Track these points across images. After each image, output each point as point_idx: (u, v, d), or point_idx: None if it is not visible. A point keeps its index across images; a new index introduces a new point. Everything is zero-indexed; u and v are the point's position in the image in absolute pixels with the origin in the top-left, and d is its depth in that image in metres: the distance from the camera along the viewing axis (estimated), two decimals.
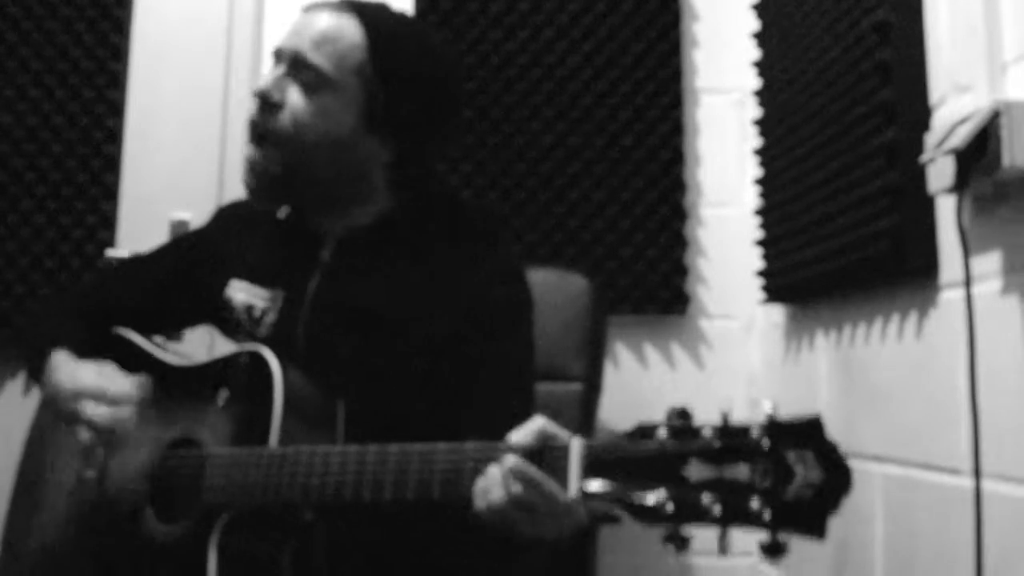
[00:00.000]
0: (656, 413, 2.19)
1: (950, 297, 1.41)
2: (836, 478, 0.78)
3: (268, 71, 1.29)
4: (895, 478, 1.56)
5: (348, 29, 1.27)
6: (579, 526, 1.00)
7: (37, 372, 1.36)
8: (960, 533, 1.30)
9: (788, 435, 0.80)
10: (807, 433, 0.80)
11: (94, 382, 1.24)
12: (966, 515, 1.26)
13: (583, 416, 1.79)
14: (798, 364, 1.99)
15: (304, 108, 1.25)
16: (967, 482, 1.28)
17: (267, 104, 1.26)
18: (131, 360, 1.40)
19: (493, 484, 0.97)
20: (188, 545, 1.16)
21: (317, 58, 1.24)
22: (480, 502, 0.98)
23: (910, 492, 1.51)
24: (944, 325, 1.42)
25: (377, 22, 1.28)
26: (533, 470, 0.95)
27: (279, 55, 1.28)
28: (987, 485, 1.25)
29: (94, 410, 1.21)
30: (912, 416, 1.51)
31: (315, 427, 1.19)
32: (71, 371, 1.28)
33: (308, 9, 1.30)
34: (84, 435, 1.22)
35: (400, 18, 1.33)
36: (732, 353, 2.27)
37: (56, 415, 1.29)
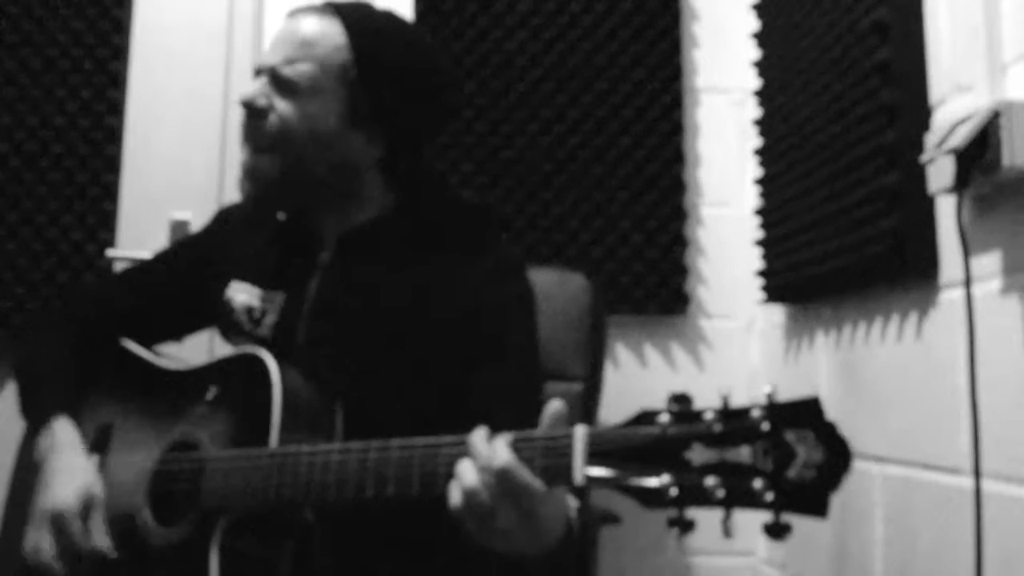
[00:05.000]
0: None
1: (950, 297, 1.41)
2: (836, 457, 0.79)
3: (253, 83, 1.30)
4: (895, 478, 1.56)
5: (329, 32, 1.28)
6: (561, 536, 0.99)
7: (33, 419, 1.35)
8: (960, 533, 1.30)
9: (788, 416, 0.81)
10: (806, 413, 0.81)
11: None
12: (966, 515, 1.26)
13: (583, 416, 1.79)
14: (798, 364, 1.99)
15: (290, 112, 1.27)
16: (967, 482, 1.28)
17: (254, 111, 1.28)
18: (127, 367, 1.40)
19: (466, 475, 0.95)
20: (188, 548, 1.15)
21: (293, 71, 1.26)
22: (454, 498, 0.95)
23: (910, 492, 1.52)
24: (944, 325, 1.42)
25: (359, 22, 1.30)
26: (504, 456, 0.93)
27: (258, 71, 1.30)
28: (987, 485, 1.25)
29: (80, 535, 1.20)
30: (912, 416, 1.51)
31: (314, 429, 1.19)
32: (73, 477, 1.24)
33: (292, 15, 1.32)
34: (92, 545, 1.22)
35: (382, 16, 1.34)
36: (732, 353, 2.27)
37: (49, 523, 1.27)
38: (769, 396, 0.82)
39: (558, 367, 1.76)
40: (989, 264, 1.30)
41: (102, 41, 2.30)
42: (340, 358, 1.26)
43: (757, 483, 0.80)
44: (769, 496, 0.79)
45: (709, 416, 0.84)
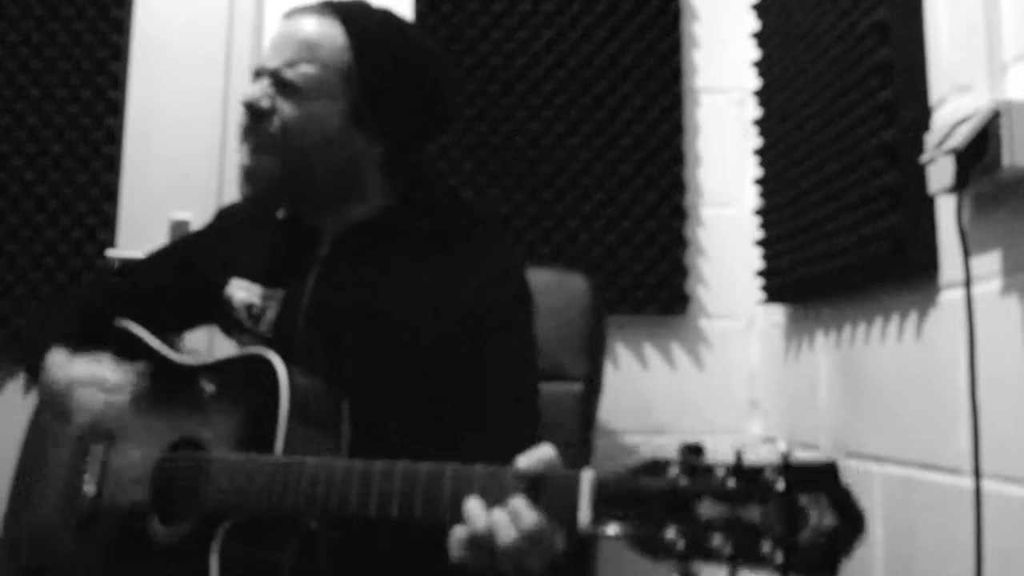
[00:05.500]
0: (656, 414, 2.19)
1: (950, 297, 1.41)
2: (849, 524, 0.78)
3: (253, 85, 1.30)
4: (895, 478, 1.56)
5: (329, 34, 1.28)
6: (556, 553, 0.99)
7: (35, 373, 1.36)
8: (960, 533, 1.30)
9: (802, 478, 0.79)
10: (821, 477, 0.79)
11: (87, 371, 1.26)
12: (966, 515, 1.26)
13: (583, 416, 1.79)
14: (798, 364, 1.99)
15: (293, 114, 1.27)
16: (967, 482, 1.28)
17: (256, 113, 1.28)
18: (134, 355, 1.40)
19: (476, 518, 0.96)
20: (189, 548, 1.15)
21: (296, 74, 1.27)
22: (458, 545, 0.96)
23: (910, 492, 1.51)
24: (944, 325, 1.42)
25: (358, 22, 1.30)
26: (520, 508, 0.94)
27: (258, 74, 1.30)
28: (987, 485, 1.25)
29: (89, 396, 1.22)
30: (912, 416, 1.51)
31: (320, 427, 1.19)
32: (64, 365, 1.30)
33: (289, 16, 1.31)
34: (79, 421, 1.24)
35: (381, 15, 1.34)
36: (732, 353, 2.27)
37: (52, 411, 1.30)
38: (784, 456, 0.81)
39: (558, 367, 1.76)
40: (989, 264, 1.30)
41: (102, 41, 2.30)
42: (339, 354, 1.26)
43: (766, 545, 0.78)
44: (778, 558, 0.78)
45: (721, 471, 0.82)
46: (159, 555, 1.20)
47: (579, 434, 1.74)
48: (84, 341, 1.38)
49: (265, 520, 1.14)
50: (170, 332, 1.51)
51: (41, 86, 2.27)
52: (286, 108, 1.27)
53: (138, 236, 2.26)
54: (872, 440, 1.62)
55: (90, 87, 2.28)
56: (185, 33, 2.37)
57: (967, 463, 1.29)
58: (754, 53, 2.16)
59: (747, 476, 0.81)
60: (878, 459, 1.60)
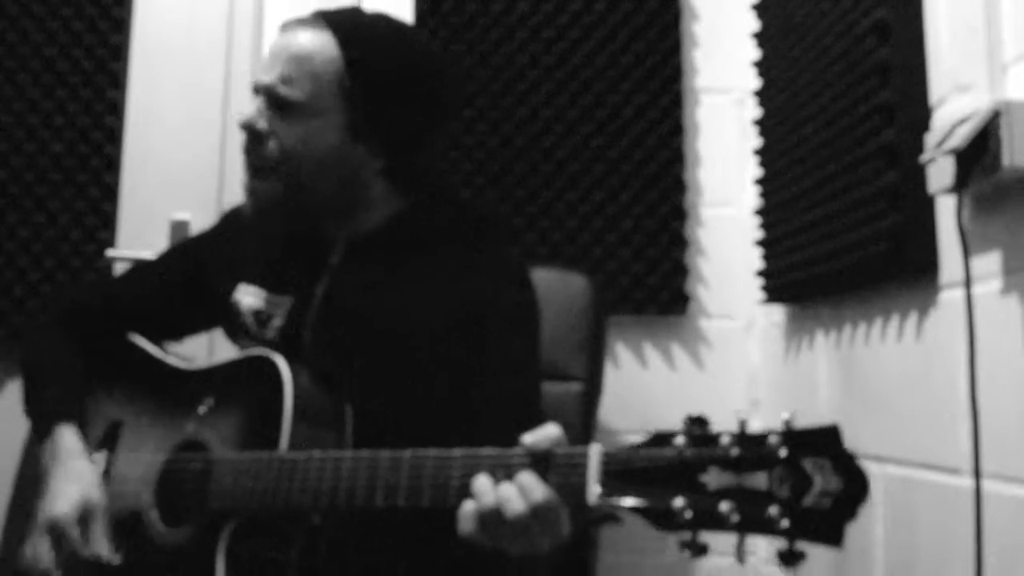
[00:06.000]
0: (656, 413, 2.19)
1: (950, 297, 1.41)
2: (854, 486, 0.78)
3: (251, 103, 1.29)
4: (895, 478, 1.56)
5: (322, 46, 1.25)
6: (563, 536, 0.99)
7: (36, 421, 1.35)
8: (960, 533, 1.30)
9: (806, 443, 0.80)
10: (824, 441, 0.80)
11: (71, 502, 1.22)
12: (966, 515, 1.26)
13: (583, 416, 1.79)
14: (798, 364, 1.99)
15: (290, 136, 1.25)
16: (967, 482, 1.28)
17: (254, 134, 1.27)
18: (136, 364, 1.40)
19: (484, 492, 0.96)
20: (194, 550, 1.15)
21: (289, 90, 1.24)
22: (466, 524, 0.96)
23: (910, 492, 1.52)
24: (944, 325, 1.42)
25: (351, 33, 1.27)
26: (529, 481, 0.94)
27: (256, 90, 1.28)
28: (987, 485, 1.25)
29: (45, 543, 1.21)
30: (912, 416, 1.51)
31: (324, 431, 1.18)
32: (72, 484, 1.24)
33: (283, 29, 1.29)
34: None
35: (374, 22, 1.31)
36: (732, 353, 2.27)
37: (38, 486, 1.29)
38: (787, 422, 0.81)
39: (558, 367, 1.76)
40: (989, 264, 1.30)
41: (102, 41, 2.30)
42: (346, 362, 1.26)
43: (772, 510, 0.79)
44: (784, 523, 0.79)
45: (726, 440, 0.84)
46: (165, 558, 1.20)
47: (579, 434, 1.74)
48: (94, 362, 1.39)
49: (270, 518, 1.14)
50: (176, 336, 1.51)
51: (41, 86, 2.27)
52: (283, 130, 1.25)
53: (138, 236, 2.26)
54: (872, 440, 1.62)
55: (90, 87, 2.28)
56: (185, 33, 2.37)
57: (967, 463, 1.29)
58: (754, 53, 2.16)
59: (751, 444, 0.83)
60: (878, 459, 1.60)
